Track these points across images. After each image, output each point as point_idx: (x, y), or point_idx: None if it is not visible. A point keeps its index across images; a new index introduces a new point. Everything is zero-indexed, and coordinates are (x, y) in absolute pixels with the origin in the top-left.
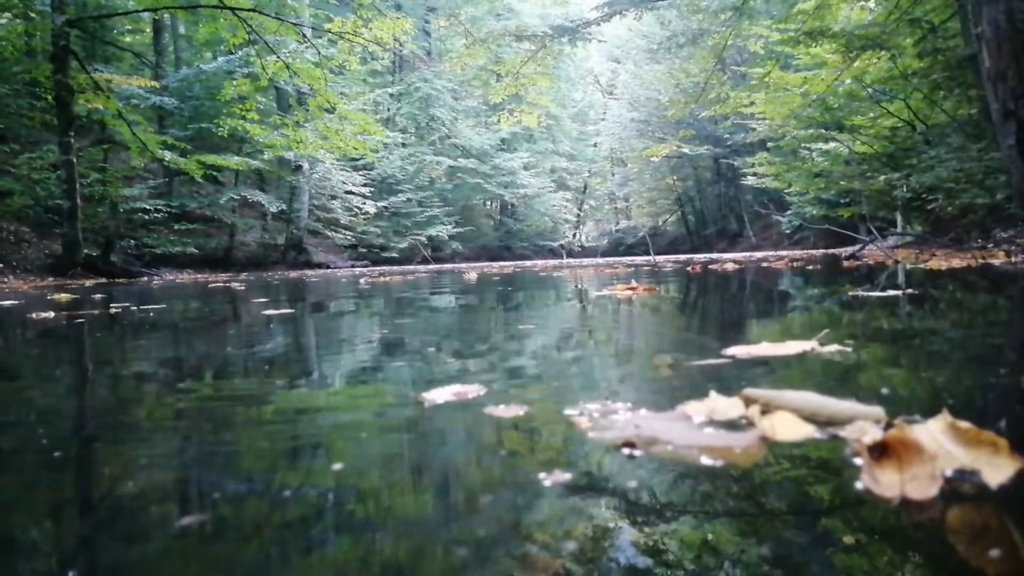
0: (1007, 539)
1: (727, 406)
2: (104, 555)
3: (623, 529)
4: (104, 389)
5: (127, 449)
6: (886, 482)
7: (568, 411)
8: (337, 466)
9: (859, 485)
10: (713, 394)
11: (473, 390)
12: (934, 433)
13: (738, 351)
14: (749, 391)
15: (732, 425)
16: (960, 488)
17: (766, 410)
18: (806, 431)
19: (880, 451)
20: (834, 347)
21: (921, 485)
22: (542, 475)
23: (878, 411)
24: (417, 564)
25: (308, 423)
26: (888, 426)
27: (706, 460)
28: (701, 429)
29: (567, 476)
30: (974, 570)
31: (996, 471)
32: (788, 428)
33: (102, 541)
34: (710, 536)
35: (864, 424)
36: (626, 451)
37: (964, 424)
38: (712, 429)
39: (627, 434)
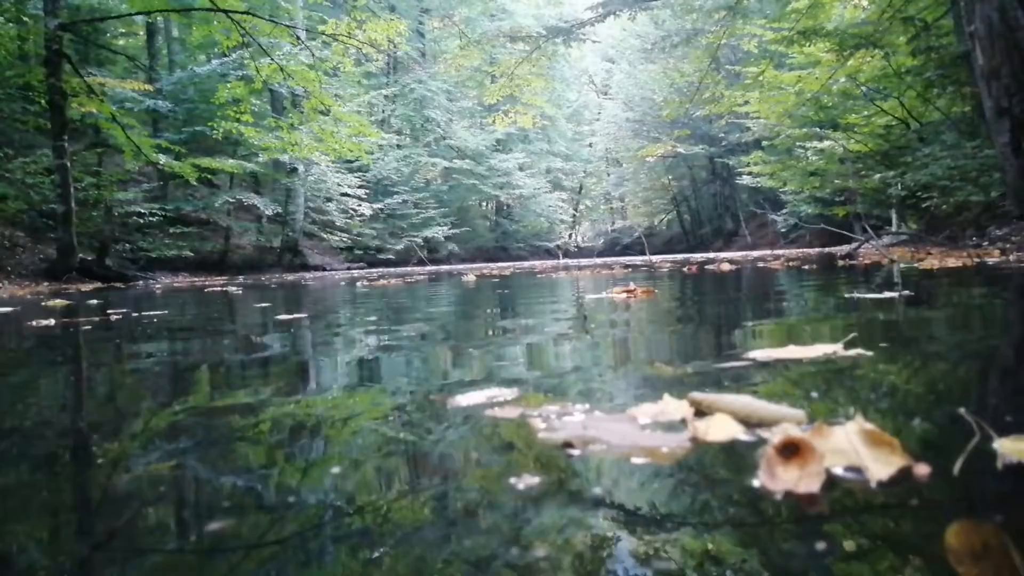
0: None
1: (675, 409)
2: (102, 566)
3: (523, 511)
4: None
5: (146, 469)
6: (784, 478)
7: (528, 411)
8: (351, 448)
9: (756, 482)
10: (666, 397)
11: (505, 394)
12: (849, 434)
13: (759, 354)
14: (694, 394)
15: (671, 427)
16: (843, 483)
17: (707, 412)
18: (735, 432)
19: (793, 450)
20: (856, 351)
21: (810, 481)
22: (484, 465)
23: (799, 413)
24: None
25: (339, 422)
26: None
27: (634, 459)
28: (642, 430)
29: (502, 468)
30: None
31: (882, 467)
32: (719, 429)
33: (101, 551)
34: (589, 521)
35: (788, 425)
36: (566, 450)
37: (870, 426)
38: (651, 431)
39: (571, 435)
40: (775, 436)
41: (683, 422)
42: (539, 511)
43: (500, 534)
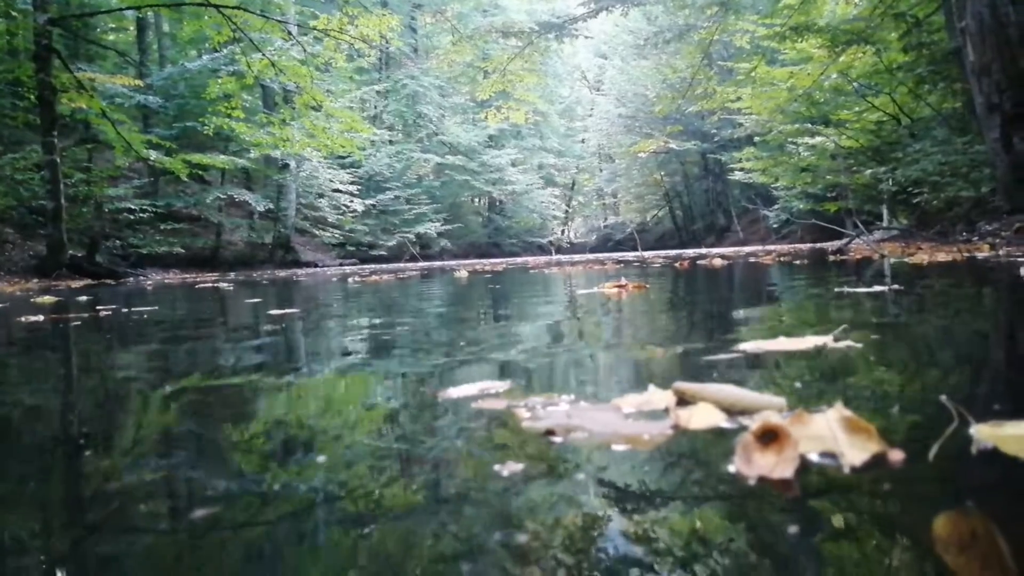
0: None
1: (659, 398)
2: (94, 552)
3: (501, 492)
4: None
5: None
6: (760, 464)
7: (513, 403)
8: (351, 434)
9: (731, 467)
10: (651, 387)
11: (496, 386)
12: (829, 421)
13: (749, 346)
14: (678, 384)
15: (654, 416)
16: (817, 468)
17: (691, 402)
18: (717, 420)
19: (771, 437)
20: (846, 343)
21: (785, 467)
22: (467, 451)
23: (780, 401)
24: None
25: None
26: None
27: (614, 446)
28: (625, 419)
29: (484, 453)
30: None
31: (857, 453)
32: (702, 418)
33: (93, 539)
34: (559, 503)
35: (769, 413)
36: (548, 438)
37: (848, 413)
38: (634, 419)
39: (554, 423)
40: (755, 423)
41: (666, 411)
42: (517, 494)
43: (478, 506)
